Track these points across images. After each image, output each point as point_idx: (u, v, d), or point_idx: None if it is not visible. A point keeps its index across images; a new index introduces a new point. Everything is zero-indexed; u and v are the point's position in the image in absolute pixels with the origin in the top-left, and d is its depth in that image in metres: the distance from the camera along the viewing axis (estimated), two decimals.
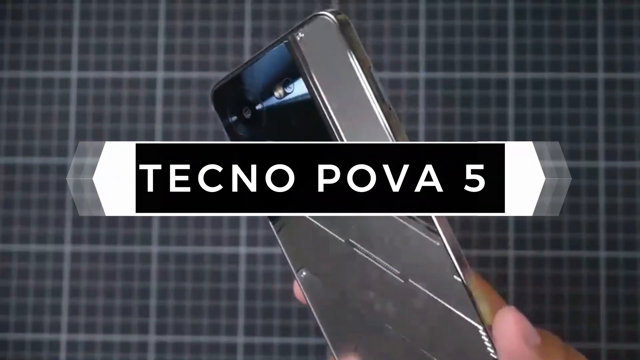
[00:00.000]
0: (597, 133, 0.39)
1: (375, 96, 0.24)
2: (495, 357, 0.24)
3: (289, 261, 0.26)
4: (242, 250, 0.40)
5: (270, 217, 0.26)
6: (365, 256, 0.26)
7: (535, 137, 0.40)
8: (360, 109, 0.24)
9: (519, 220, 0.39)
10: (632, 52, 0.40)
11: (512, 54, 0.40)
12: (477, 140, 0.40)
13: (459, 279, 0.24)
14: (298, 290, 0.27)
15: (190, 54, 0.41)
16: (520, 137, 0.39)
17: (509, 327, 0.23)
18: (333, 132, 0.25)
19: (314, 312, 0.26)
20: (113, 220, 0.40)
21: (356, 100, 0.24)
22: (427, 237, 0.25)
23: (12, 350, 0.39)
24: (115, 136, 0.40)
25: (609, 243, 0.39)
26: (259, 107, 0.26)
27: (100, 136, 0.40)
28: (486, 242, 0.39)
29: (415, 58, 0.40)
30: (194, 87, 0.41)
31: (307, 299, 0.26)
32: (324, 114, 0.25)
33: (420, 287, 0.25)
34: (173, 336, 0.39)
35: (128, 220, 0.40)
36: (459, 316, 0.25)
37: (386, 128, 0.24)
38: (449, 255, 0.25)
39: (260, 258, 0.40)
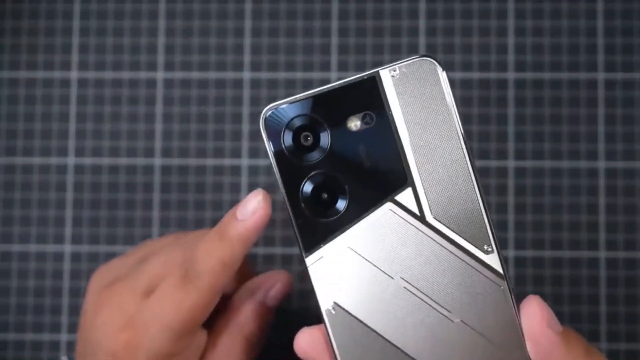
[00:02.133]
0: (597, 133, 0.39)
1: (468, 149, 0.24)
2: None
3: (317, 296, 0.25)
4: None
5: (306, 248, 0.25)
6: (417, 295, 0.25)
7: (536, 138, 0.40)
8: (448, 156, 0.24)
9: (519, 221, 0.39)
10: (632, 52, 0.40)
11: (512, 54, 0.40)
12: (476, 140, 0.40)
13: (517, 322, 0.24)
14: (304, 342, 0.25)
15: (190, 54, 0.41)
16: (520, 137, 0.39)
17: (534, 312, 0.24)
18: (410, 173, 0.25)
19: (337, 354, 0.25)
20: (113, 220, 0.40)
21: (446, 146, 0.24)
22: (490, 279, 0.24)
23: (12, 351, 0.39)
24: (115, 136, 0.40)
25: (609, 243, 0.39)
26: (325, 134, 0.25)
27: (100, 136, 0.40)
28: None
29: None
30: (194, 87, 0.41)
31: (332, 339, 0.25)
32: (404, 153, 0.25)
33: (474, 329, 0.24)
34: None
35: (128, 220, 0.40)
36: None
37: (476, 187, 0.24)
38: (512, 300, 0.24)
39: (260, 259, 0.40)
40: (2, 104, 0.41)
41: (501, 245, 0.39)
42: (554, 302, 0.39)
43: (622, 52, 0.40)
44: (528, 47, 0.40)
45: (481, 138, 0.40)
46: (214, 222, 0.40)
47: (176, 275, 0.28)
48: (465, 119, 0.40)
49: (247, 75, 0.40)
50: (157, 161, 0.40)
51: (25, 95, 0.41)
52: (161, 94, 0.41)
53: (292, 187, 0.25)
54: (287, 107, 0.25)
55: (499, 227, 0.39)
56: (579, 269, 0.39)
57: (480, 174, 0.39)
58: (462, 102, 0.40)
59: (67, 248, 0.40)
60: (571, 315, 0.38)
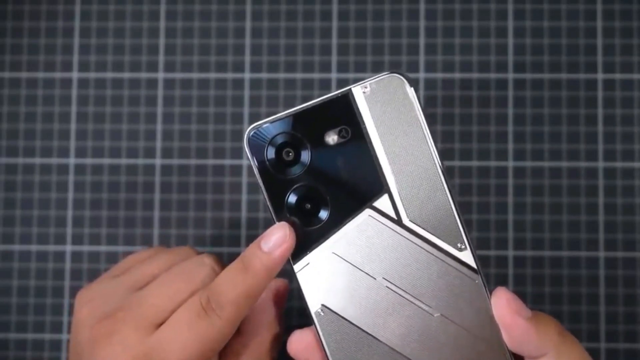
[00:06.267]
0: (597, 133, 0.40)
1: (439, 158, 0.26)
2: None
3: (306, 300, 0.27)
4: (243, 250, 0.40)
5: (293, 256, 0.27)
6: (398, 293, 0.26)
7: (535, 138, 0.40)
8: (419, 163, 0.26)
9: (519, 220, 0.39)
10: (631, 53, 0.40)
11: (511, 54, 0.40)
12: (476, 141, 0.40)
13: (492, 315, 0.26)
14: (297, 344, 0.27)
15: (191, 55, 0.41)
16: (519, 138, 0.40)
17: (501, 302, 0.26)
18: (385, 180, 0.26)
19: (327, 352, 0.27)
20: (114, 220, 0.40)
21: (416, 154, 0.26)
22: (465, 274, 0.26)
23: (13, 350, 0.40)
24: (116, 136, 0.41)
25: (608, 243, 0.39)
26: (305, 149, 0.27)
27: (101, 137, 0.41)
28: (486, 242, 0.39)
29: (415, 59, 0.40)
30: (195, 87, 0.41)
31: (322, 338, 0.27)
32: (378, 162, 0.26)
33: (453, 321, 0.26)
34: None
35: (129, 220, 0.40)
36: (491, 351, 0.26)
37: (447, 190, 0.26)
38: (486, 293, 0.26)
39: None
40: (3, 104, 0.41)
41: (501, 245, 0.39)
42: (553, 302, 0.39)
43: (621, 52, 0.40)
44: (527, 47, 0.40)
45: (481, 138, 0.40)
46: (214, 221, 0.40)
47: (196, 305, 0.28)
48: (464, 119, 0.40)
49: (247, 75, 0.41)
50: (158, 161, 0.40)
51: (26, 95, 0.41)
52: (162, 95, 0.41)
53: (277, 200, 0.27)
54: (268, 125, 0.27)
55: (499, 227, 0.39)
56: (578, 268, 0.39)
57: (480, 174, 0.40)
58: (462, 103, 0.40)
59: (68, 248, 0.40)
60: (570, 314, 0.39)
